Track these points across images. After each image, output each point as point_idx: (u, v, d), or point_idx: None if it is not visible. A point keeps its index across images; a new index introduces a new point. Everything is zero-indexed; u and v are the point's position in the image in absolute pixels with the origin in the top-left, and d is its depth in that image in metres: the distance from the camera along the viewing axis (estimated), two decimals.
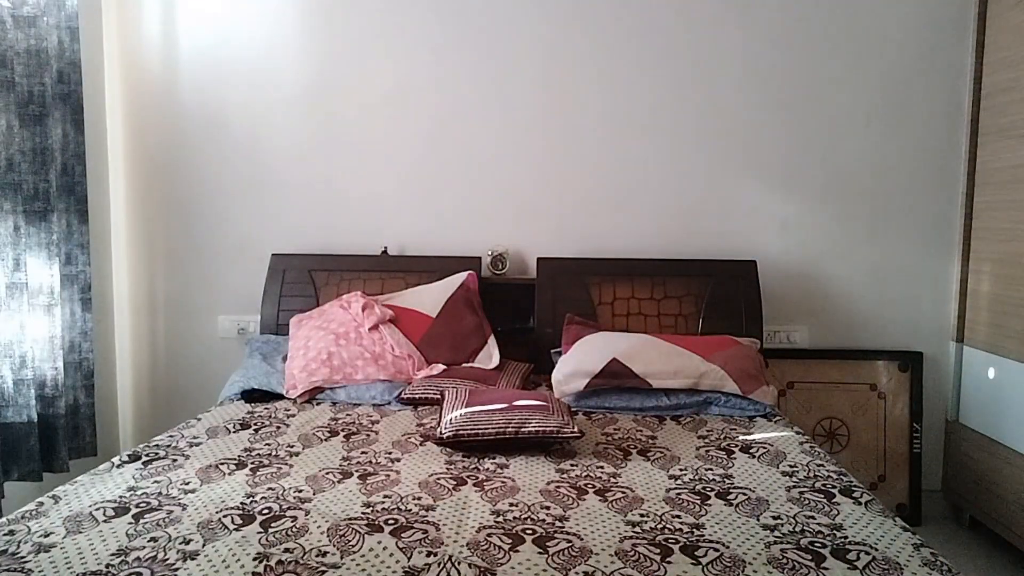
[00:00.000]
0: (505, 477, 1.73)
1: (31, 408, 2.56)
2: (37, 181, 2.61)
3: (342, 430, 2.11)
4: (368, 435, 2.07)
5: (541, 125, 3.02)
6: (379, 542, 1.38)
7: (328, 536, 1.40)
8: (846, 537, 1.42)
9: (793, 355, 3.00)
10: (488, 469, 1.78)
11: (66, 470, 2.69)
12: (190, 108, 3.08)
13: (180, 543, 1.37)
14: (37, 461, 2.60)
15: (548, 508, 1.55)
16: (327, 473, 1.75)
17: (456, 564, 1.29)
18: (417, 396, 2.37)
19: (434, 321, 2.68)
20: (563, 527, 1.45)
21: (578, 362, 2.41)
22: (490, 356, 2.67)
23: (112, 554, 1.33)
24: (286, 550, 1.35)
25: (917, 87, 2.93)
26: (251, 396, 2.45)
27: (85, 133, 2.77)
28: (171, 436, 2.04)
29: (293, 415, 2.26)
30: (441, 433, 1.92)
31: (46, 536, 1.41)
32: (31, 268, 2.60)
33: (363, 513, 1.51)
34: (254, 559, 1.31)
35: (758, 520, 1.51)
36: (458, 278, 2.83)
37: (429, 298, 2.75)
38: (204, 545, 1.37)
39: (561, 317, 2.74)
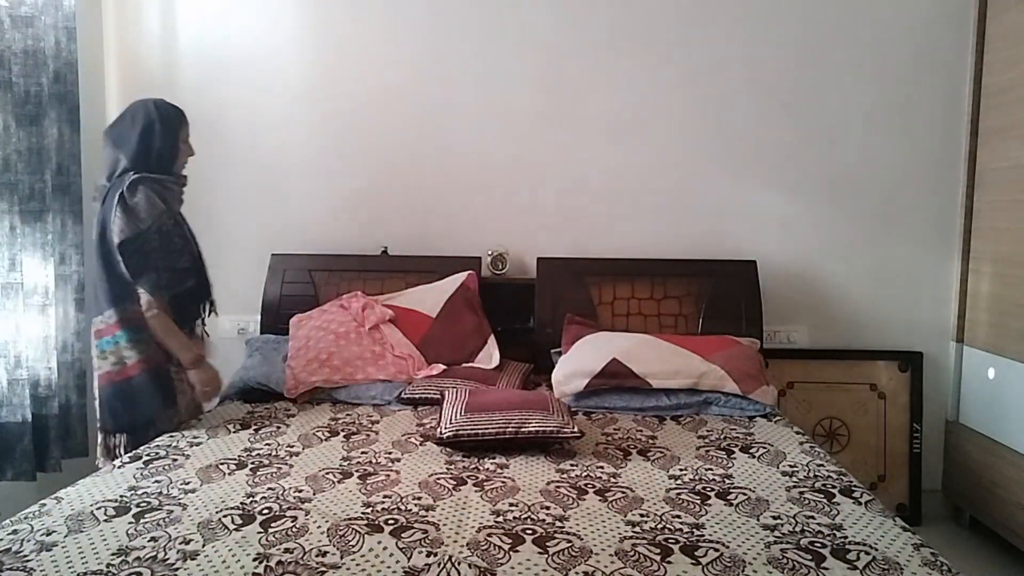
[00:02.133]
0: (505, 477, 1.73)
1: (25, 408, 2.57)
2: (33, 181, 2.61)
3: (342, 430, 2.11)
4: (368, 435, 2.07)
5: (541, 125, 3.01)
6: (379, 542, 1.37)
7: (328, 536, 1.40)
8: (846, 537, 1.42)
9: (793, 355, 3.00)
10: (488, 469, 1.78)
11: (59, 470, 2.69)
12: (189, 108, 3.01)
13: (180, 543, 1.37)
14: (31, 461, 2.61)
15: (548, 508, 1.55)
16: (327, 473, 1.75)
17: (456, 564, 1.29)
18: (417, 396, 2.37)
19: (434, 321, 2.67)
20: (563, 527, 1.45)
21: (578, 362, 2.41)
22: (490, 356, 2.67)
23: (113, 553, 1.33)
24: (286, 550, 1.34)
25: (917, 87, 2.93)
26: (251, 396, 2.45)
27: (82, 133, 2.77)
28: (171, 436, 2.04)
29: (293, 415, 2.26)
30: (441, 433, 1.92)
31: (48, 535, 1.41)
32: (26, 268, 2.60)
33: (363, 513, 1.51)
34: (254, 559, 1.31)
35: (758, 520, 1.51)
36: (458, 278, 2.82)
37: (429, 298, 2.75)
38: (204, 545, 1.37)
39: (561, 317, 2.73)
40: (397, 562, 1.30)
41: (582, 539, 1.40)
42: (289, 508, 1.54)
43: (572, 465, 1.82)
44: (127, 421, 2.10)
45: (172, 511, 1.52)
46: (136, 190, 2.08)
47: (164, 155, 2.16)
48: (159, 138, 2.15)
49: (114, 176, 2.14)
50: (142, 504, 1.55)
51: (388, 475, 1.74)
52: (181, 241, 2.21)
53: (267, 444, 1.98)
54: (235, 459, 1.85)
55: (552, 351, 2.69)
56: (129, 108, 2.20)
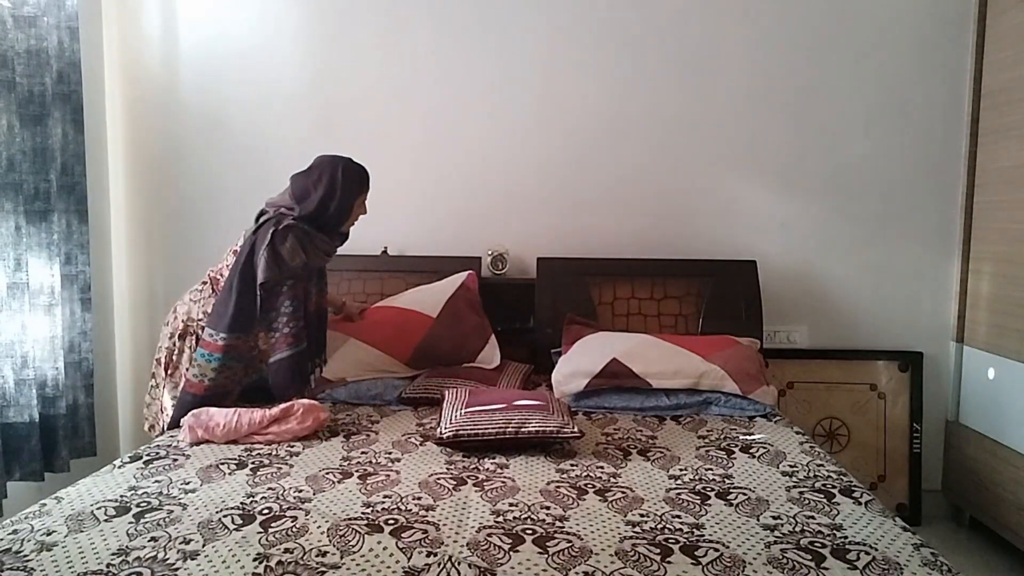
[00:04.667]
0: (505, 477, 1.73)
1: (32, 408, 2.56)
2: (38, 181, 2.61)
3: (342, 430, 2.11)
4: (368, 435, 2.07)
5: (541, 125, 3.02)
6: (379, 542, 1.38)
7: (328, 536, 1.40)
8: (846, 537, 1.42)
9: (793, 355, 3.00)
10: (488, 469, 1.78)
11: (67, 470, 2.69)
12: (190, 107, 3.08)
13: (180, 543, 1.37)
14: (39, 461, 2.60)
15: (548, 508, 1.55)
16: (327, 473, 1.76)
17: (456, 564, 1.29)
18: (417, 396, 2.37)
19: (434, 321, 2.67)
20: (563, 527, 1.45)
21: (578, 362, 2.41)
22: (490, 356, 2.67)
23: (113, 553, 1.33)
24: (286, 550, 1.35)
25: (917, 87, 2.93)
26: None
27: (85, 133, 2.77)
28: (172, 436, 2.04)
29: None
30: (441, 433, 1.92)
31: (48, 535, 1.41)
32: (32, 268, 2.59)
33: (363, 513, 1.51)
34: (254, 559, 1.31)
35: (758, 520, 1.51)
36: (458, 278, 2.82)
37: (429, 298, 2.75)
38: (204, 545, 1.37)
39: (561, 317, 2.74)
40: (397, 562, 1.30)
41: (582, 539, 1.40)
42: (289, 508, 1.54)
43: (572, 465, 1.82)
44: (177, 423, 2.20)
45: (172, 511, 1.52)
46: (287, 237, 2.18)
47: (335, 218, 2.28)
48: (336, 204, 2.25)
49: (280, 212, 2.27)
50: (142, 504, 1.56)
51: (388, 475, 1.74)
52: (302, 295, 2.28)
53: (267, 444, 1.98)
54: (235, 459, 1.85)
55: (552, 351, 2.69)
56: (318, 163, 2.30)
